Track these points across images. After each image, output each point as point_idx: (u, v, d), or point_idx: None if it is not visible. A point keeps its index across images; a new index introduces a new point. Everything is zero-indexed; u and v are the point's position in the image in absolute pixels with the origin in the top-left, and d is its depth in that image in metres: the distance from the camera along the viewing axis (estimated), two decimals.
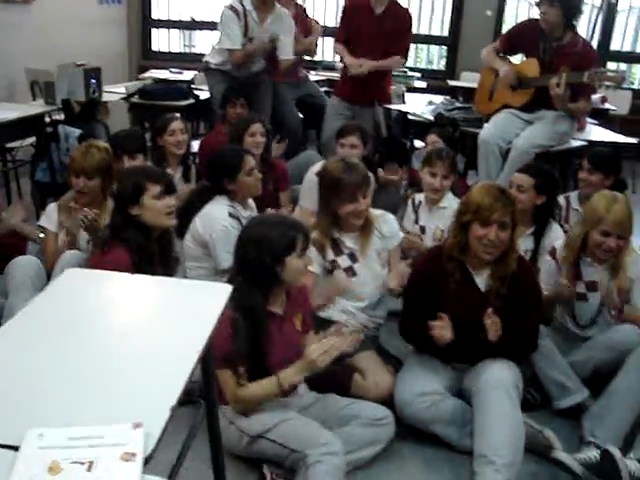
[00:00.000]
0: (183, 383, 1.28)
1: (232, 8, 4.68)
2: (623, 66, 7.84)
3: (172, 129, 3.83)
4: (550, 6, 4.01)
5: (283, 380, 2.21)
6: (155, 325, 1.54)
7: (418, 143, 4.94)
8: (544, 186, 3.29)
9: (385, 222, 2.97)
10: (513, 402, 2.37)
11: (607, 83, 3.88)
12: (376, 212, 2.98)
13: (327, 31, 7.00)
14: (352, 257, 2.87)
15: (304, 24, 5.47)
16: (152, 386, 1.28)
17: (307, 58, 5.75)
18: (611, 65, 7.58)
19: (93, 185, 3.14)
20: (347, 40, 4.96)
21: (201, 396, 1.86)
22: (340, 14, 5.18)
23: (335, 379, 2.60)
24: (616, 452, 2.32)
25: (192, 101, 5.29)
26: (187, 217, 3.19)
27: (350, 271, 2.86)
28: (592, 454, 2.42)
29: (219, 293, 1.66)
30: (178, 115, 4.17)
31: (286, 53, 4.88)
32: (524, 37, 4.29)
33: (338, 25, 5.18)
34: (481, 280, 2.60)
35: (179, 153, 3.89)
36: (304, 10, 5.78)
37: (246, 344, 2.19)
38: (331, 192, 2.80)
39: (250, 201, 3.35)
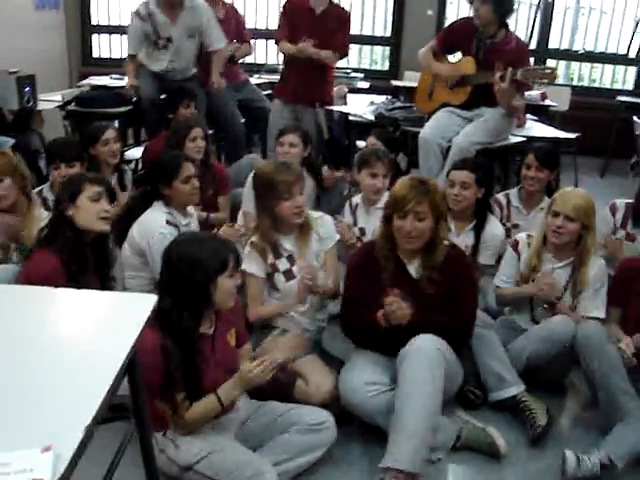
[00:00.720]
0: (100, 400, 1.23)
1: (136, 13, 4.75)
2: (562, 63, 8.00)
3: (105, 138, 3.70)
4: (482, 3, 4.05)
5: (223, 397, 2.18)
6: (74, 340, 1.48)
7: (361, 144, 4.93)
8: (483, 179, 3.34)
9: (322, 223, 2.96)
10: (431, 367, 2.34)
11: (540, 80, 3.92)
12: (313, 214, 2.98)
13: (268, 33, 7.01)
14: (290, 259, 2.85)
15: (240, 31, 5.45)
16: (67, 405, 1.22)
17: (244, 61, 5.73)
18: (550, 62, 7.73)
19: (4, 185, 2.96)
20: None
21: None
22: (280, 15, 5.14)
23: (277, 385, 2.55)
24: (570, 456, 2.38)
25: (131, 107, 5.18)
26: (126, 224, 3.12)
27: (289, 274, 2.84)
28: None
29: (142, 304, 1.61)
30: (110, 123, 4.08)
31: (216, 41, 4.90)
32: (459, 36, 4.31)
33: (278, 25, 5.12)
34: (414, 268, 2.62)
35: (113, 162, 3.79)
36: (236, 11, 5.74)
37: (179, 369, 2.13)
38: (267, 192, 2.79)
39: (190, 208, 3.30)
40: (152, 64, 4.94)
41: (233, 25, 5.30)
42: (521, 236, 3.11)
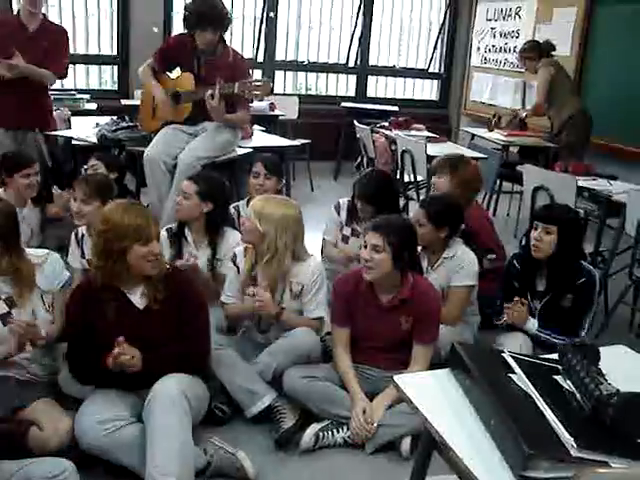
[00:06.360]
0: None
1: None
2: (289, 74, 8.39)
3: None
4: (202, 31, 4.08)
5: None
6: None
7: None
8: (207, 194, 3.29)
9: (48, 262, 2.73)
10: (179, 413, 2.35)
11: (256, 92, 4.02)
12: (37, 252, 2.76)
13: None
14: (9, 302, 2.62)
15: None
16: None
17: None
18: (278, 73, 8.07)
19: None
20: None
21: None
22: None
23: (7, 439, 2.36)
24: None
25: None
26: None
27: (7, 318, 2.60)
28: None
29: None
30: None
31: None
32: (177, 52, 4.30)
33: None
34: (137, 298, 2.55)
35: None
36: None
37: None
38: None
39: None
40: None
41: None
42: (238, 249, 3.11)
